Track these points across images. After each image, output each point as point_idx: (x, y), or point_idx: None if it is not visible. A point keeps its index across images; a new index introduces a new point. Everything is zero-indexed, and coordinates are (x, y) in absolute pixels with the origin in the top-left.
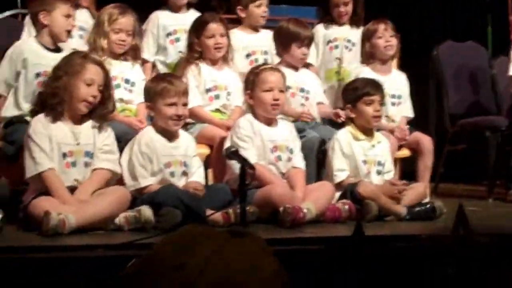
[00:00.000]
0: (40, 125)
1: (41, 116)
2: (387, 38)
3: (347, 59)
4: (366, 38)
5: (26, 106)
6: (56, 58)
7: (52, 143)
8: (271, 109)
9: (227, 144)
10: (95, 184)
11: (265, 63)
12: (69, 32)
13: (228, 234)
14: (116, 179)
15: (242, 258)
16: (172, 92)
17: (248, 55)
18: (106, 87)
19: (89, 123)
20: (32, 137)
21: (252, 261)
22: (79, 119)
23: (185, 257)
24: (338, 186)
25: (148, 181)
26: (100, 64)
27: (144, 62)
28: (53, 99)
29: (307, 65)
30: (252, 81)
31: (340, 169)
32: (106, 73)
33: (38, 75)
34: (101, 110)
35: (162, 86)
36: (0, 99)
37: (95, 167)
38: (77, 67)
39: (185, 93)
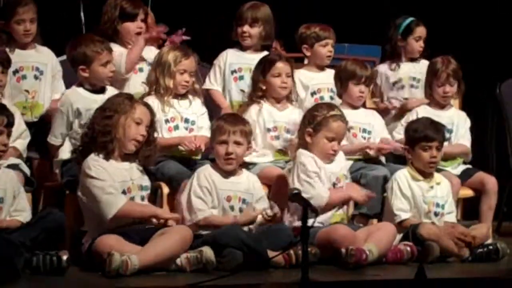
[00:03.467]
0: (97, 164)
1: (92, 156)
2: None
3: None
4: (429, 78)
5: None
6: (103, 99)
7: (114, 181)
8: (329, 155)
9: (293, 181)
10: None
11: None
12: (110, 77)
13: None
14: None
15: None
16: (223, 130)
17: (313, 93)
18: (152, 128)
19: (134, 164)
20: (93, 179)
21: None
22: (126, 158)
23: None
24: (400, 227)
25: (206, 213)
26: (147, 105)
27: (211, 92)
28: (104, 137)
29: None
30: (317, 122)
31: (401, 209)
32: (152, 114)
33: None
34: (145, 151)
35: (216, 124)
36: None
37: None
38: (127, 107)
39: (237, 132)
